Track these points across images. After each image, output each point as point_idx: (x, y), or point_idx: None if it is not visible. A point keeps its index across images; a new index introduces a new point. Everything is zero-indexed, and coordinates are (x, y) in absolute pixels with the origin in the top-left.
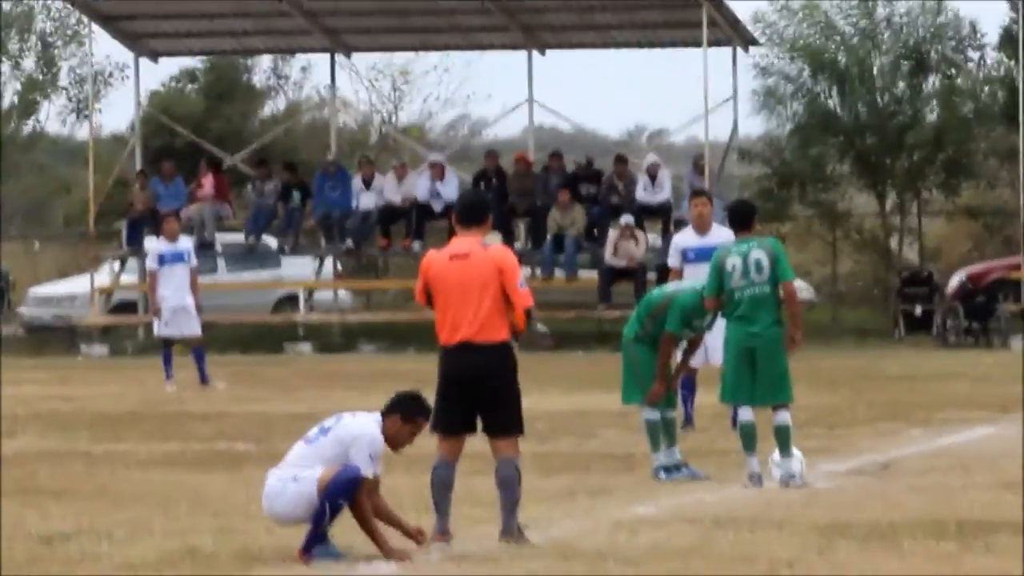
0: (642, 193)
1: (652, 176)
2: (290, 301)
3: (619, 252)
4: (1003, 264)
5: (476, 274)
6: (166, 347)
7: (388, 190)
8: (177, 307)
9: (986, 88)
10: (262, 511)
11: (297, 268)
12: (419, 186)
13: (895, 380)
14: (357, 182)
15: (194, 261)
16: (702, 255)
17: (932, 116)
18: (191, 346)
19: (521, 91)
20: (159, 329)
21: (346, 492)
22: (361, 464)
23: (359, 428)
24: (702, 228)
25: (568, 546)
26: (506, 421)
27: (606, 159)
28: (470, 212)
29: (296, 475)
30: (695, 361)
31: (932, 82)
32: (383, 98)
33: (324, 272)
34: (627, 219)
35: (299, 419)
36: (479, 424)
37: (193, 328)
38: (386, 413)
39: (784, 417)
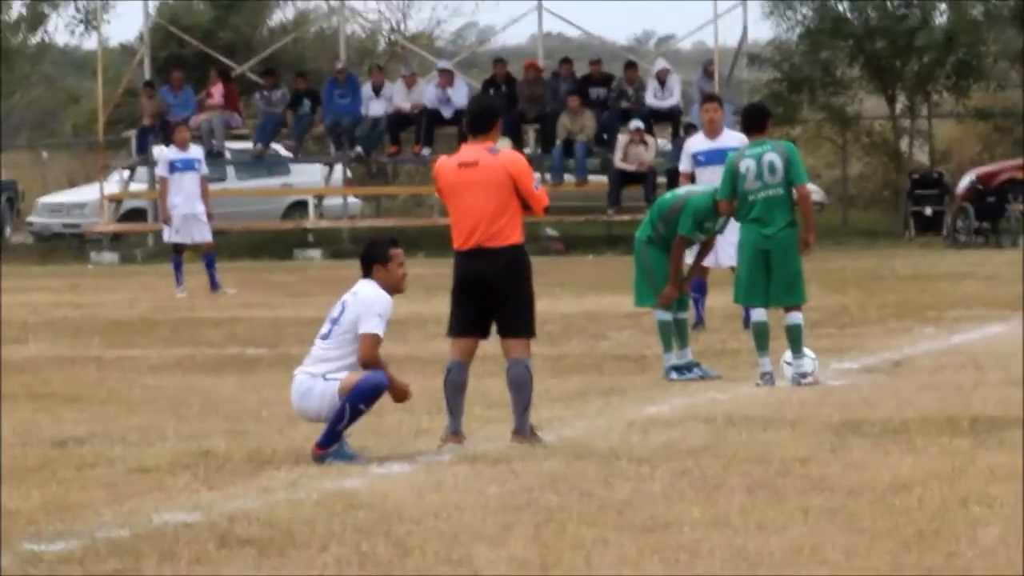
0: (652, 98)
1: (661, 81)
2: (299, 207)
3: (629, 156)
4: (1013, 165)
5: (485, 180)
6: (177, 254)
7: (397, 97)
8: (188, 214)
9: None
10: (293, 409)
11: (306, 175)
12: (428, 93)
13: (906, 280)
14: (367, 89)
15: (204, 169)
16: (712, 158)
17: (942, 19)
18: (202, 252)
19: None
20: (169, 236)
21: (368, 398)
22: (372, 327)
23: (365, 294)
24: (713, 133)
25: (581, 445)
26: (517, 322)
27: (614, 65)
28: (477, 120)
29: (326, 373)
30: (706, 262)
31: None
32: (392, 6)
33: (334, 179)
34: (637, 124)
35: (310, 324)
36: (492, 329)
37: (204, 235)
38: (370, 273)
39: (797, 317)
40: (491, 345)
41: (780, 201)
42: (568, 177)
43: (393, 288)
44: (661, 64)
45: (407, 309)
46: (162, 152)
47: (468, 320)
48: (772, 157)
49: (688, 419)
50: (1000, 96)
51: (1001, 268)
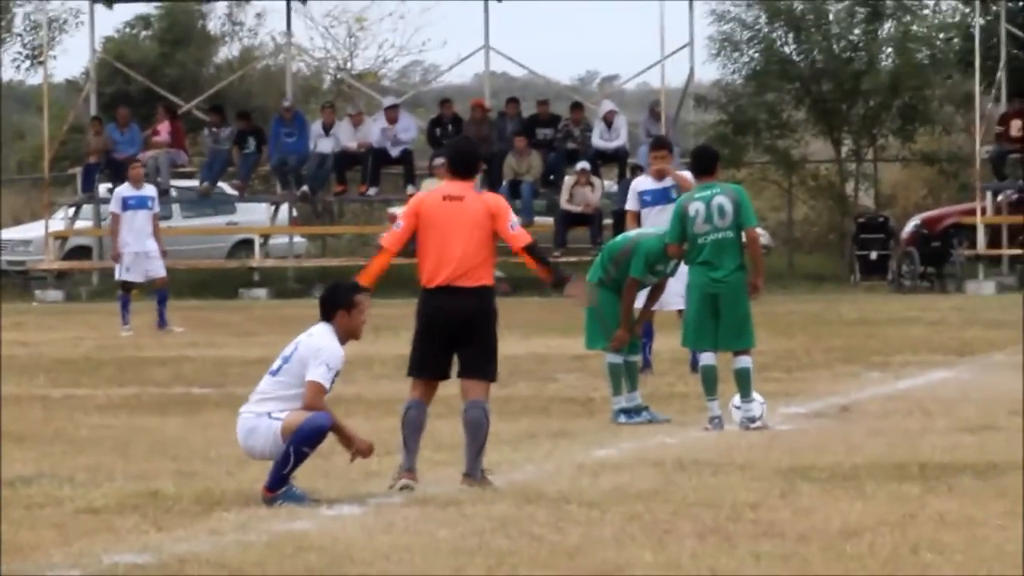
0: (598, 139)
1: (608, 122)
2: (245, 246)
3: (575, 198)
4: (958, 210)
5: (468, 216)
6: (125, 292)
7: (344, 136)
8: (139, 252)
9: (941, 34)
10: (238, 445)
11: (252, 214)
12: (374, 131)
13: (851, 325)
14: (316, 127)
15: (157, 207)
16: (659, 198)
17: (888, 62)
18: (156, 287)
19: (474, 38)
20: (120, 274)
21: (311, 441)
22: (320, 376)
23: (318, 343)
24: (659, 179)
25: (531, 489)
26: (482, 364)
27: (560, 105)
28: (462, 161)
29: (271, 412)
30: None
31: (887, 28)
32: (338, 45)
33: (279, 218)
34: (583, 165)
35: (256, 364)
36: (454, 371)
37: (158, 270)
38: (329, 316)
39: (745, 361)
40: (443, 386)
41: (729, 244)
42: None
43: (351, 335)
44: (608, 106)
45: (354, 350)
46: (117, 188)
47: (433, 360)
48: (722, 200)
49: (637, 463)
50: (945, 140)
51: (946, 313)
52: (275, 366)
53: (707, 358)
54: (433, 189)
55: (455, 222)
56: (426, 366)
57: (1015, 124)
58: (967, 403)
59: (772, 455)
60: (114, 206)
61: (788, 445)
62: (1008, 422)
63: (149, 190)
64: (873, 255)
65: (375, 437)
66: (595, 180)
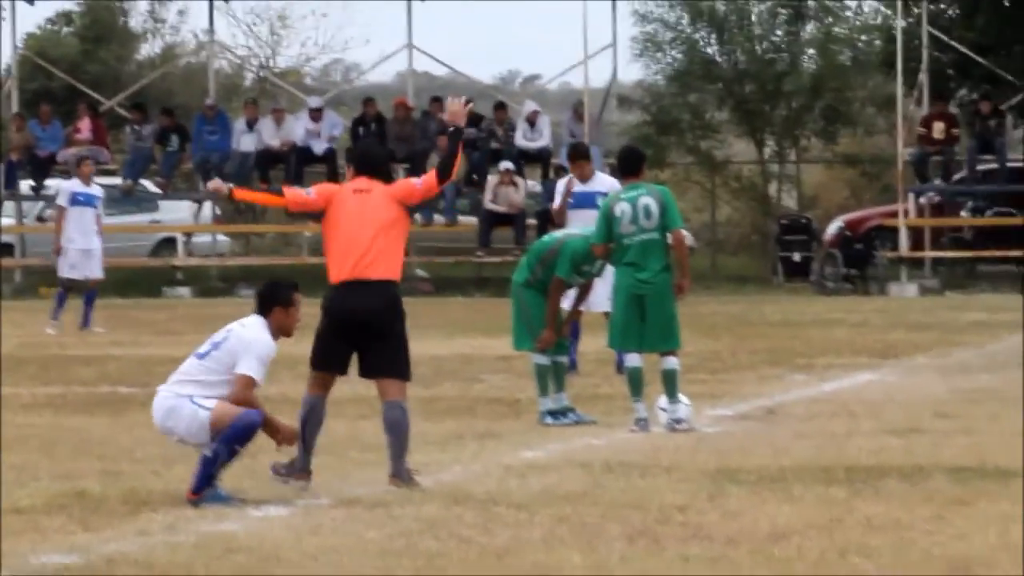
0: (521, 139)
1: (531, 122)
2: (168, 245)
3: (498, 198)
4: (880, 211)
5: (374, 207)
6: (64, 289)
7: (266, 134)
8: (85, 249)
9: (863, 36)
10: (155, 426)
11: (175, 212)
12: (297, 130)
13: (775, 326)
14: (240, 124)
15: (101, 207)
16: (583, 201)
17: (810, 64)
18: (88, 288)
19: (397, 37)
20: (64, 271)
21: (243, 438)
22: (251, 369)
23: (252, 335)
24: (584, 180)
25: (459, 490)
26: (395, 363)
27: (483, 105)
28: (368, 161)
29: (193, 395)
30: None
31: (810, 30)
32: (261, 42)
33: (202, 216)
34: (506, 165)
35: (180, 362)
36: (356, 368)
37: (96, 271)
38: (266, 311)
39: (672, 362)
40: (365, 387)
41: (655, 246)
42: (438, 218)
43: (283, 332)
44: (531, 105)
45: (280, 348)
46: (63, 184)
47: (338, 354)
48: (647, 201)
49: (565, 464)
50: (867, 142)
51: (869, 315)
52: (203, 350)
53: (633, 359)
54: (343, 184)
55: (362, 214)
56: (331, 360)
57: (937, 126)
58: (892, 405)
59: (699, 457)
60: (62, 200)
61: (715, 447)
62: (933, 424)
63: (97, 189)
64: (796, 256)
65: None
66: (518, 180)
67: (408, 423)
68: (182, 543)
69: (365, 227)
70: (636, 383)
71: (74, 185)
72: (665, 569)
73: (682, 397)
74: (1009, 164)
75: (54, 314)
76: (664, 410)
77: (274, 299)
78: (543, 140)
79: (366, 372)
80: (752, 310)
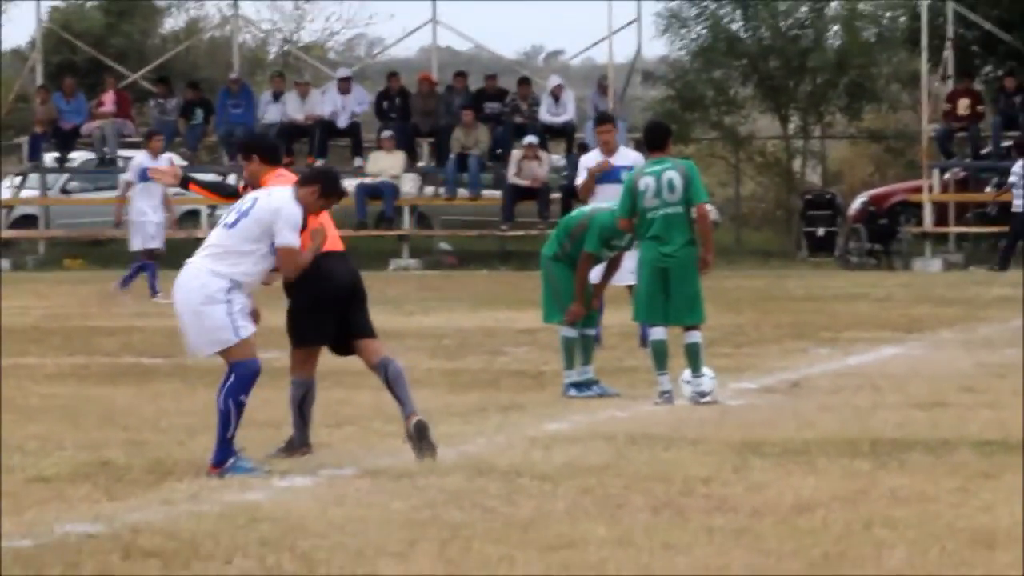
0: (546, 114)
1: (556, 97)
2: (193, 217)
3: (522, 172)
4: (904, 187)
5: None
6: (151, 259)
7: (291, 107)
8: (158, 222)
9: (888, 12)
10: (172, 301)
11: None
12: (327, 101)
13: (799, 301)
14: (267, 96)
15: None
16: (607, 176)
17: (835, 40)
18: (153, 258)
19: (421, 11)
20: (143, 243)
21: (247, 388)
22: (291, 239)
23: (278, 202)
24: (608, 153)
25: (483, 462)
26: (370, 324)
27: (508, 80)
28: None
29: (224, 271)
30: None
31: (834, 6)
32: (285, 17)
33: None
34: (531, 139)
35: None
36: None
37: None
38: (304, 183)
39: (696, 336)
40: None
41: (679, 219)
42: (462, 191)
43: (307, 210)
44: (555, 80)
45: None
46: (136, 158)
47: (330, 324)
48: (672, 175)
49: (589, 437)
50: (892, 118)
51: (893, 290)
52: (231, 219)
53: (658, 333)
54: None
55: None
56: (326, 332)
57: (962, 103)
58: (917, 379)
59: (723, 430)
60: (132, 175)
61: (739, 420)
62: (958, 399)
63: (165, 162)
64: (820, 231)
65: (326, 408)
66: (543, 154)
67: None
68: (207, 512)
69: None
70: (660, 356)
71: (144, 159)
72: (689, 541)
73: (706, 370)
74: None
75: (152, 288)
76: (688, 383)
77: (322, 178)
78: (567, 115)
79: (354, 336)
80: (776, 285)
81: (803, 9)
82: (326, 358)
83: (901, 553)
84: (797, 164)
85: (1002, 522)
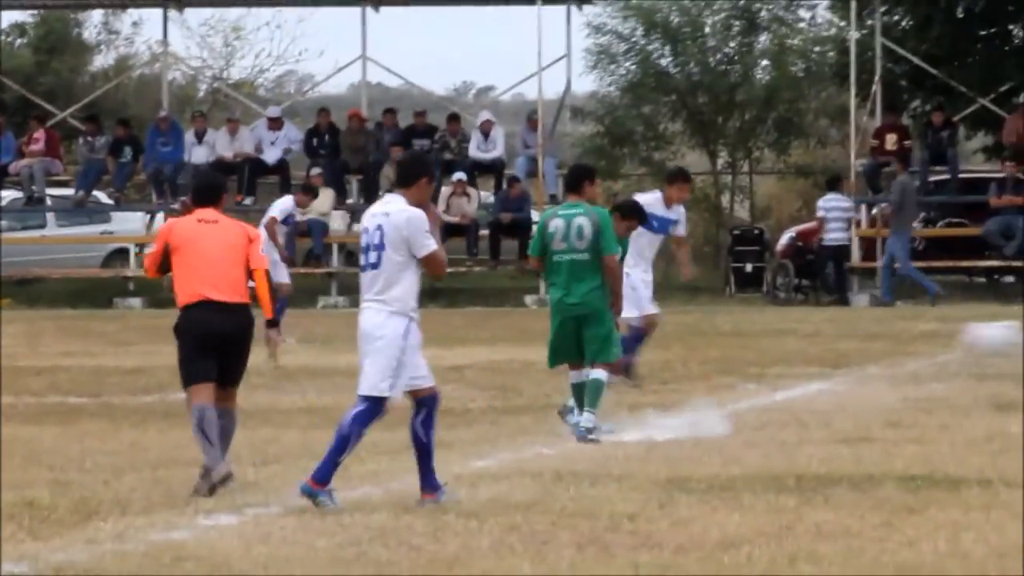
0: (475, 150)
1: (485, 133)
2: (120, 255)
3: (451, 208)
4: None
5: (225, 237)
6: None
7: (220, 145)
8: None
9: (817, 48)
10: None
11: (127, 223)
12: (251, 140)
13: (727, 336)
14: (189, 136)
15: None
16: (664, 225)
17: (764, 75)
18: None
19: (351, 48)
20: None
21: (369, 422)
22: (427, 247)
23: (403, 214)
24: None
25: (409, 499)
26: (239, 375)
27: (437, 116)
28: (207, 192)
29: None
30: None
31: (764, 41)
32: (215, 54)
33: (155, 227)
34: (459, 175)
35: (131, 373)
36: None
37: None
38: (410, 183)
39: (600, 373)
40: (317, 396)
41: (585, 267)
42: None
43: (422, 204)
44: (485, 116)
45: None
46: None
47: (210, 366)
48: (582, 221)
49: (515, 474)
50: (820, 153)
51: (821, 325)
52: (371, 259)
53: (574, 376)
54: (182, 217)
55: (213, 244)
56: (206, 372)
57: (889, 138)
58: (843, 415)
59: (649, 466)
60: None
61: (665, 456)
62: (883, 434)
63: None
64: (748, 267)
65: (253, 447)
66: (471, 191)
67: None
68: (131, 552)
69: (218, 257)
70: (579, 397)
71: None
72: None
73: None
74: (960, 175)
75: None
76: (573, 417)
77: (423, 169)
78: (496, 151)
79: (220, 380)
80: (704, 320)
81: (732, 44)
82: (252, 399)
83: None
84: (725, 199)
85: (926, 557)
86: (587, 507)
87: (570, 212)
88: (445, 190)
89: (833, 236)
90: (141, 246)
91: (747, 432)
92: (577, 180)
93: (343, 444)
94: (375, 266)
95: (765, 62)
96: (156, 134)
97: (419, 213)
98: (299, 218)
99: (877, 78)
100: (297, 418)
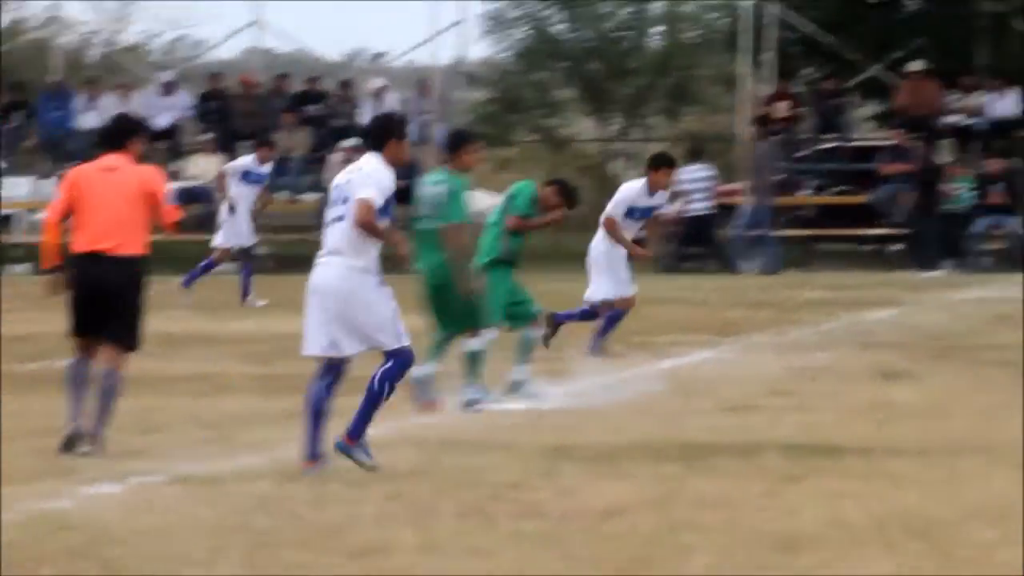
0: (367, 116)
1: (377, 99)
2: (6, 222)
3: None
4: (722, 191)
5: (125, 186)
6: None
7: (111, 111)
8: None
9: (711, 15)
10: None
11: (16, 189)
12: (143, 105)
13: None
14: (81, 101)
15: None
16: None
17: (656, 42)
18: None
19: (245, 13)
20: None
21: (400, 377)
22: (369, 194)
23: (370, 169)
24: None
25: (292, 468)
26: (127, 333)
27: (328, 81)
28: (109, 137)
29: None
30: None
31: (657, 8)
32: (107, 18)
33: (45, 193)
34: (351, 142)
35: (16, 340)
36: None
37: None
38: (381, 145)
39: (474, 343)
40: (206, 363)
41: (432, 235)
42: (281, 195)
43: (397, 163)
44: (377, 82)
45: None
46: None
47: (93, 319)
48: (439, 189)
49: (400, 442)
50: (711, 120)
51: (709, 294)
52: (338, 213)
53: (467, 344)
54: (91, 164)
55: (111, 192)
56: (87, 325)
57: (780, 106)
58: (729, 383)
59: (535, 435)
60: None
61: (550, 425)
62: (768, 402)
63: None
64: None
65: (135, 415)
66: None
67: (119, 392)
68: (11, 521)
69: (115, 205)
70: (467, 366)
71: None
72: (497, 546)
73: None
74: (852, 143)
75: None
76: (464, 390)
77: (389, 132)
78: None
79: (104, 335)
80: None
81: (626, 11)
82: (139, 366)
83: (706, 557)
84: (617, 167)
85: (807, 525)
86: (471, 476)
87: (434, 178)
88: (336, 156)
89: (696, 206)
90: (31, 211)
91: (633, 401)
92: (451, 145)
93: (374, 401)
94: (342, 219)
95: (658, 29)
96: (47, 99)
97: (388, 172)
98: (264, 171)
99: (769, 45)
100: (181, 385)
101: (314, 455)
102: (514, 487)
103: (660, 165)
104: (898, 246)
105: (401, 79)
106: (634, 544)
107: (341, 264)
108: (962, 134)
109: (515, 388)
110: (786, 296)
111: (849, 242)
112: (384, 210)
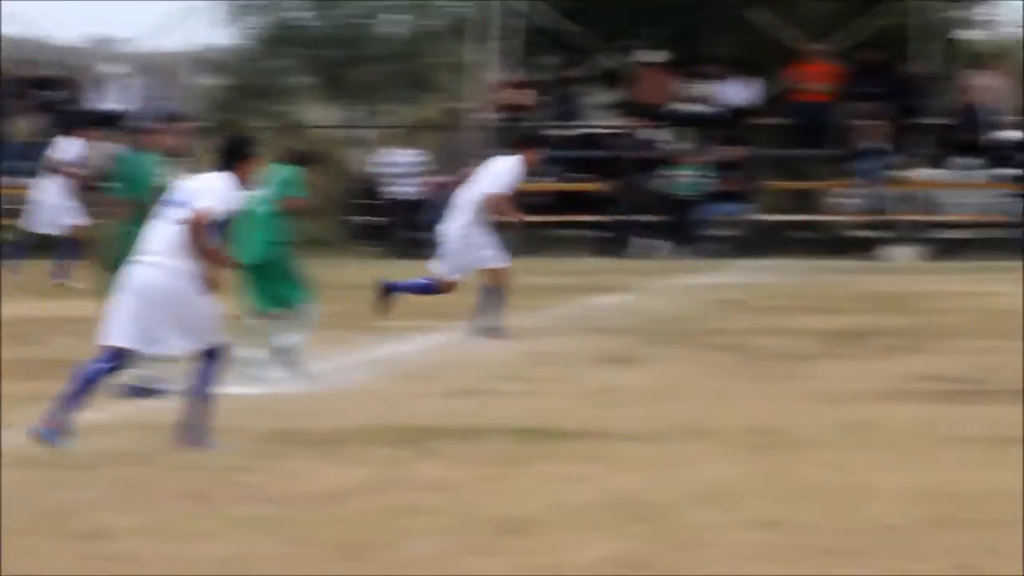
0: (107, 102)
1: (117, 85)
2: None
3: None
4: (454, 178)
5: None
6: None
7: None
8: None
9: (449, 2)
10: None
11: None
12: None
13: (345, 289)
14: None
15: None
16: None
17: (395, 29)
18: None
19: None
20: None
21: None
22: (203, 203)
23: (207, 181)
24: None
25: (20, 451)
26: None
27: (66, 67)
28: None
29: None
30: None
31: None
32: None
33: None
34: (91, 128)
35: None
36: None
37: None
38: (230, 165)
39: (289, 337)
40: None
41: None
42: (8, 180)
43: (244, 181)
44: (114, 68)
45: None
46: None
47: None
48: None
49: (126, 427)
50: (447, 108)
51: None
52: (173, 215)
53: None
54: None
55: None
56: None
57: (511, 93)
58: (454, 367)
59: (258, 419)
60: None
61: (274, 409)
62: (496, 386)
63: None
64: (370, 220)
65: None
66: (100, 144)
67: None
68: None
69: None
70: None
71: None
72: (218, 529)
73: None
74: (587, 130)
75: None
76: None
77: (239, 151)
78: (129, 103)
79: None
80: (324, 273)
81: None
82: None
83: (427, 540)
84: (351, 154)
85: (529, 509)
86: (195, 460)
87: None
88: (71, 142)
89: (402, 190)
90: None
91: (359, 385)
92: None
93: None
94: (176, 223)
95: (396, 16)
96: None
97: (226, 186)
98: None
99: (502, 34)
100: None
101: (55, 420)
102: (236, 471)
103: (526, 146)
104: (620, 233)
105: (144, 65)
106: (357, 527)
107: (170, 265)
108: (698, 122)
109: (277, 355)
110: (518, 281)
111: (579, 228)
112: (220, 226)
